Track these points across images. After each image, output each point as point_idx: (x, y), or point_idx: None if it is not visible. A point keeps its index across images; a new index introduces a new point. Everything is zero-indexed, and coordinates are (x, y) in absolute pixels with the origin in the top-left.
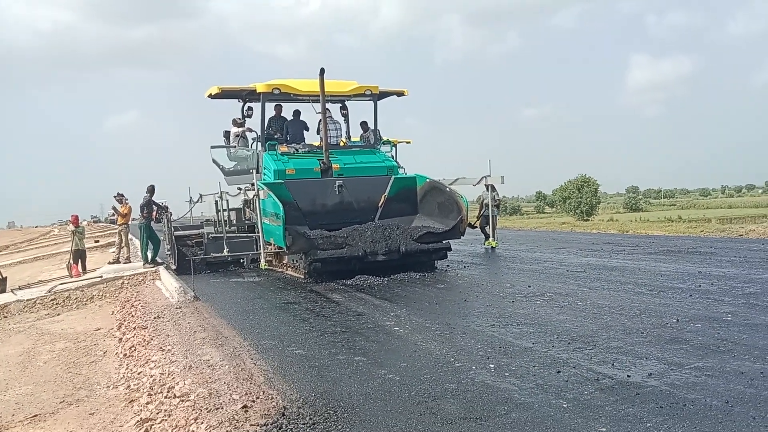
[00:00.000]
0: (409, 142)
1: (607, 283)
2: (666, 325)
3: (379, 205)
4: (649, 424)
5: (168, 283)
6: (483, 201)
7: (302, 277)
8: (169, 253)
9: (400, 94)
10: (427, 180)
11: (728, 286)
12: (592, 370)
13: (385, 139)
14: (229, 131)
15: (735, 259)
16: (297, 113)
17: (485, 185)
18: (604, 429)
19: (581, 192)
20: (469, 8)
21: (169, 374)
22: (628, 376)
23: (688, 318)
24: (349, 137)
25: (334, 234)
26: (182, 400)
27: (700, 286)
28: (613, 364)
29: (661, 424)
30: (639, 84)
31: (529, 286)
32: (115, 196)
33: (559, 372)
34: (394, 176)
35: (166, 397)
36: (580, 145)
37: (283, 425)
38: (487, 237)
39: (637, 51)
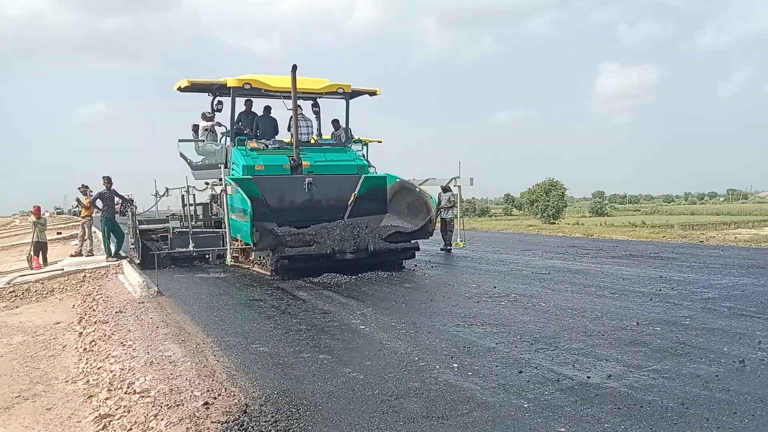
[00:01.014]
0: (380, 142)
1: (570, 286)
2: (626, 328)
3: (349, 203)
4: (606, 425)
5: (131, 278)
6: (439, 203)
7: (269, 274)
8: (133, 246)
9: (372, 93)
10: (397, 180)
11: (688, 290)
12: (553, 370)
13: (356, 137)
14: (198, 125)
15: (695, 264)
16: (267, 109)
17: (441, 187)
18: (563, 429)
19: (549, 195)
20: (445, 10)
21: (129, 370)
22: (588, 377)
23: (648, 321)
24: (320, 135)
25: (303, 231)
26: (142, 396)
27: (660, 290)
28: (573, 365)
29: (618, 424)
30: (608, 91)
31: (495, 287)
32: (79, 188)
33: (521, 372)
34: (364, 175)
35: (125, 393)
36: (549, 150)
37: (245, 423)
38: (445, 241)
39: (608, 59)
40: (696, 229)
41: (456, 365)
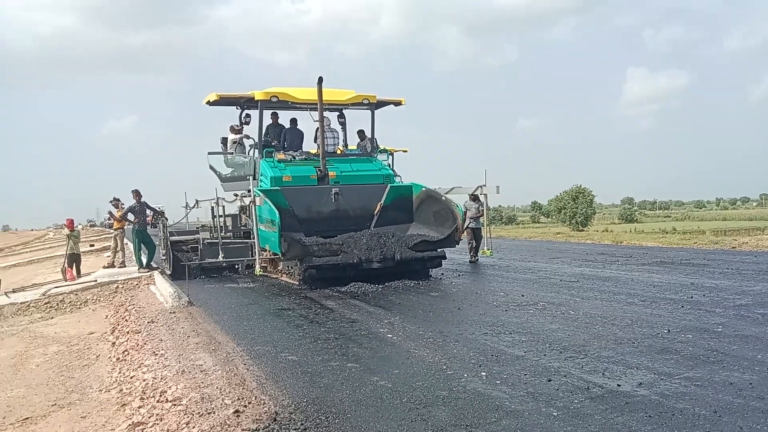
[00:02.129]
0: (405, 151)
1: (599, 293)
2: (657, 336)
3: (375, 213)
4: None
5: (162, 288)
6: (466, 212)
7: (297, 283)
8: (165, 258)
9: (397, 103)
10: (423, 189)
11: (720, 297)
12: (583, 379)
13: (381, 147)
14: (227, 138)
15: (727, 271)
16: (294, 121)
17: (471, 196)
18: None
19: (576, 202)
20: (468, 19)
21: (161, 378)
22: (618, 385)
23: (679, 329)
24: (346, 145)
25: (330, 241)
26: (174, 405)
27: (692, 297)
28: (603, 374)
29: None
30: (635, 96)
31: (523, 295)
32: (111, 201)
33: (549, 380)
34: (390, 184)
35: (158, 402)
36: (576, 156)
37: (275, 430)
38: (471, 251)
39: (634, 64)
40: (728, 235)
41: (484, 374)
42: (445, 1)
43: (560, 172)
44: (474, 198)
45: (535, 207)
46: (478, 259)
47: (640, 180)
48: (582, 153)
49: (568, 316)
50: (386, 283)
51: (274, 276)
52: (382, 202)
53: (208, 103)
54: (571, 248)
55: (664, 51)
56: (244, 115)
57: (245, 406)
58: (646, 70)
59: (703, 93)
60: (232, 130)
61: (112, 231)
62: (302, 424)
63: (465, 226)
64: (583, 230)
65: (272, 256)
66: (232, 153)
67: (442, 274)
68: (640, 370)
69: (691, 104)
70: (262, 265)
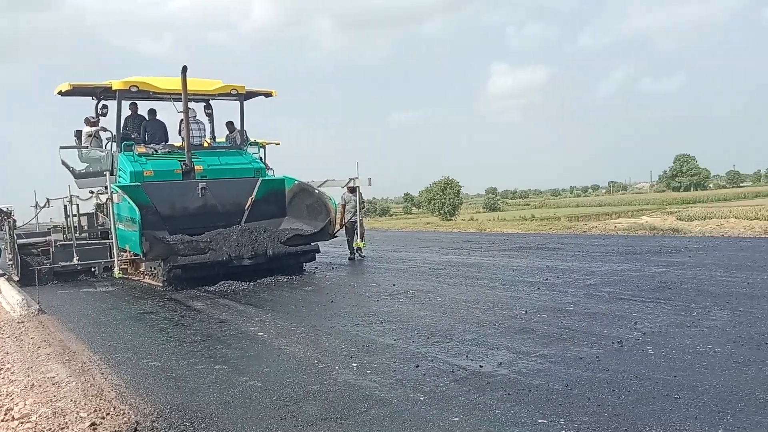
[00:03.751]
0: (278, 144)
1: (464, 279)
2: (516, 317)
3: (246, 207)
4: (497, 411)
5: (9, 296)
6: (345, 205)
7: (161, 285)
8: (11, 262)
9: (267, 94)
10: (296, 182)
11: (571, 278)
12: (448, 362)
13: (252, 140)
14: (81, 131)
15: (579, 253)
16: (153, 112)
17: (348, 188)
18: (457, 418)
19: (445, 193)
20: (340, 13)
21: (7, 395)
22: (481, 366)
23: (536, 309)
24: (213, 138)
25: (196, 239)
26: (21, 422)
27: (547, 279)
28: (467, 356)
29: (508, 410)
30: (499, 91)
31: (394, 285)
32: None
33: (417, 366)
34: (261, 178)
35: (3, 420)
36: (445, 148)
37: None
38: (350, 248)
39: (498, 60)
40: (580, 221)
41: (355, 365)
42: None
43: (431, 164)
44: (351, 190)
45: (407, 198)
46: (363, 256)
47: (504, 171)
48: (450, 145)
49: (436, 302)
50: (258, 280)
51: (136, 278)
52: (253, 196)
53: (61, 93)
54: (440, 237)
55: (526, 47)
56: (100, 106)
57: (102, 418)
58: (508, 65)
59: (559, 88)
60: (88, 122)
61: None
62: None
63: (345, 219)
64: (451, 220)
65: (133, 257)
66: (87, 147)
67: (316, 267)
68: (500, 350)
69: (549, 98)
70: (122, 266)
